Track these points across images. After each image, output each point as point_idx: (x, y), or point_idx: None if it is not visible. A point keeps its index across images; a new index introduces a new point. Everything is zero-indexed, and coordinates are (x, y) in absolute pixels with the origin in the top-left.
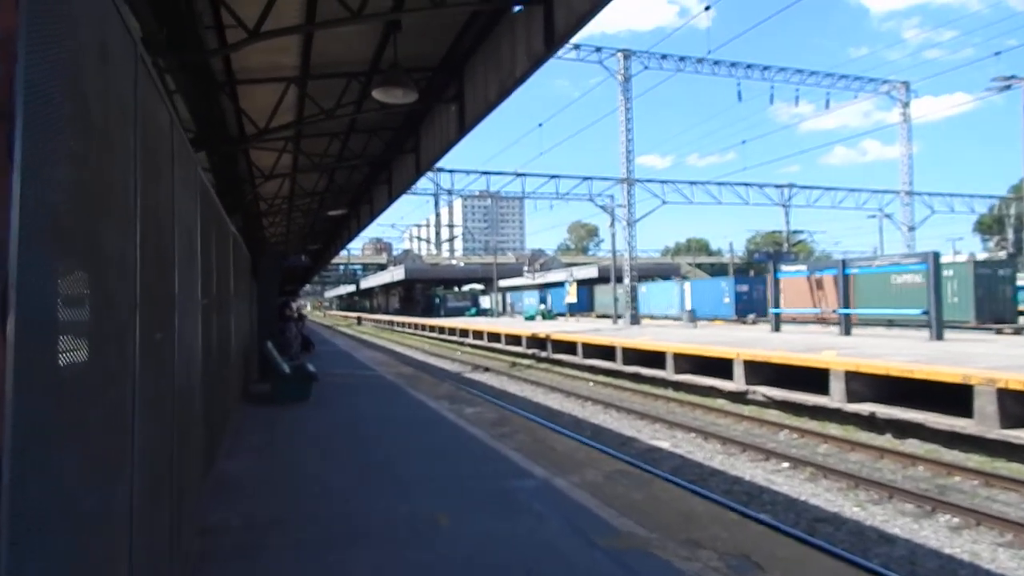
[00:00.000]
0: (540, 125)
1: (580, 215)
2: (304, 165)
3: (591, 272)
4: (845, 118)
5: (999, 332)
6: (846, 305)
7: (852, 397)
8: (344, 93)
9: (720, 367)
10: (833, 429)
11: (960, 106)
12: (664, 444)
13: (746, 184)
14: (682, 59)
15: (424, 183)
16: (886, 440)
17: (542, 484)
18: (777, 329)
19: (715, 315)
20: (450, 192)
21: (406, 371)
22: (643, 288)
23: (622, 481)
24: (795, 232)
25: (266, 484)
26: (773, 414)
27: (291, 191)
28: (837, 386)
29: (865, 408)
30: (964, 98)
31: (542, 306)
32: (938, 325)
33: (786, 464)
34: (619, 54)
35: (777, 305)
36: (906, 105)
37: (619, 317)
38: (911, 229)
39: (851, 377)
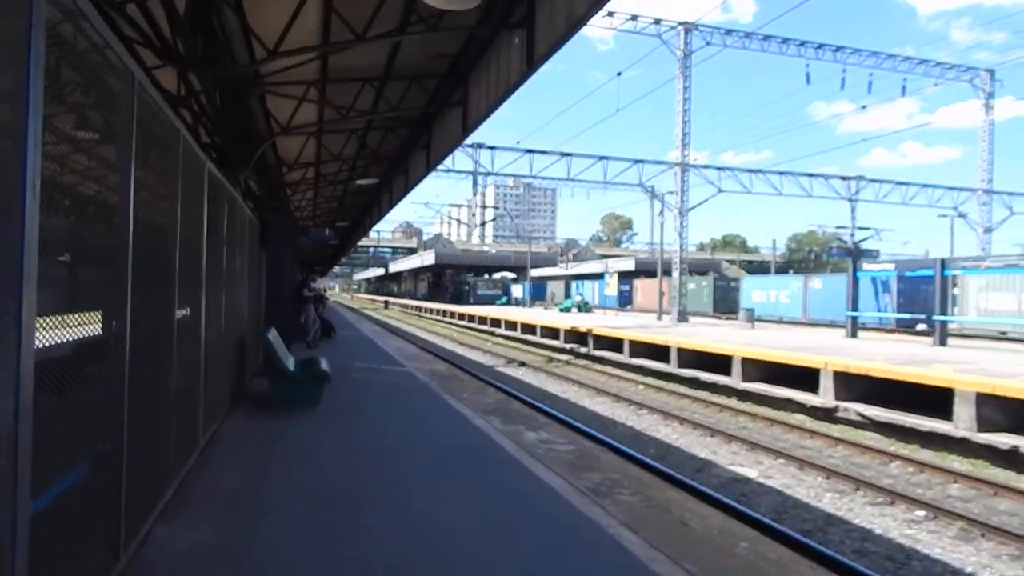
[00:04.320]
0: (619, 74)
1: (614, 205)
2: (331, 119)
3: (629, 264)
4: (884, 120)
5: (728, 319)
6: (943, 311)
7: (983, 425)
8: (381, 7)
9: (798, 377)
10: (955, 463)
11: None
12: (750, 473)
13: (810, 175)
14: (748, 35)
15: (462, 162)
16: None
17: None
18: (854, 335)
19: (605, 305)
20: (487, 174)
21: (440, 368)
22: (581, 282)
23: None
24: (861, 228)
25: None
26: (870, 437)
27: (317, 154)
28: (965, 411)
29: (1002, 440)
30: (1013, 102)
31: (578, 297)
32: None
33: (921, 512)
34: (679, 27)
35: (855, 308)
36: (990, 96)
37: (665, 313)
38: (987, 231)
39: (983, 400)
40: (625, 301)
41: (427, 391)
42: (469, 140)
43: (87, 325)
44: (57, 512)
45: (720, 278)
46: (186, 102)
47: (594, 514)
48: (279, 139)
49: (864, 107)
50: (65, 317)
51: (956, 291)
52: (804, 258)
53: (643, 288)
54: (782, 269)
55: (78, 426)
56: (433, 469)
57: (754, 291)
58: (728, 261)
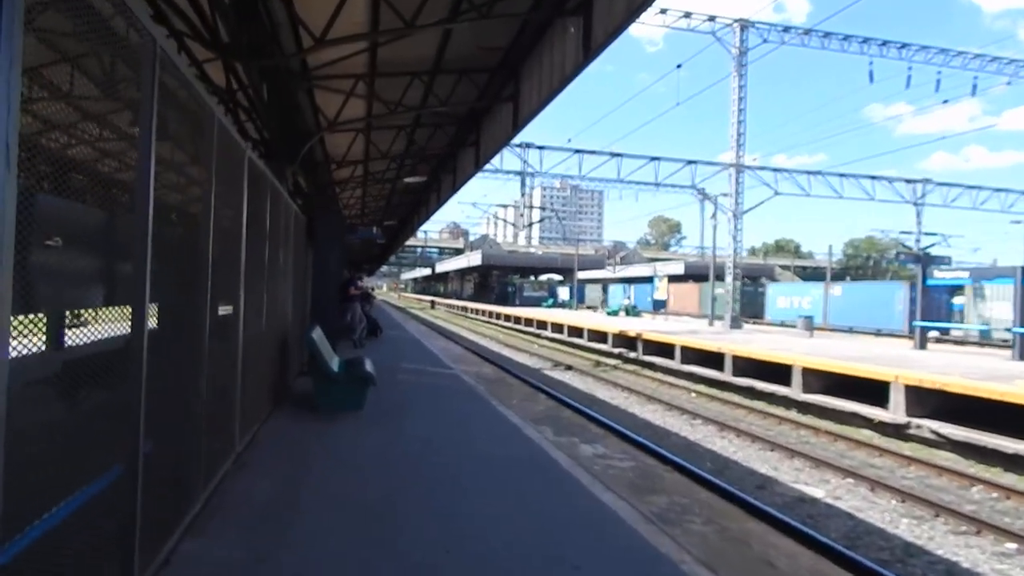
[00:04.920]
0: (679, 66)
1: (662, 207)
2: (379, 114)
3: (678, 268)
4: (944, 123)
5: (755, 323)
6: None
7: None
8: None
9: (864, 389)
10: None
11: None
12: (817, 493)
13: (872, 177)
14: (807, 32)
15: (510, 162)
16: None
17: None
18: (922, 346)
19: (649, 309)
20: (535, 174)
21: (487, 371)
22: (627, 285)
23: None
24: (927, 234)
25: None
26: (946, 457)
27: (365, 151)
28: None
29: None
30: None
31: (626, 301)
32: None
33: (1012, 544)
34: (735, 24)
35: (921, 317)
36: None
37: (718, 318)
38: None
39: None
40: (659, 305)
41: (474, 395)
42: (517, 140)
43: (96, 323)
44: (51, 540)
45: (747, 283)
46: (233, 96)
47: (664, 546)
48: (327, 135)
49: (946, 101)
50: (68, 313)
51: (962, 300)
52: (862, 264)
53: (676, 293)
54: (838, 276)
55: (78, 441)
56: (481, 483)
57: (779, 297)
58: (781, 267)
